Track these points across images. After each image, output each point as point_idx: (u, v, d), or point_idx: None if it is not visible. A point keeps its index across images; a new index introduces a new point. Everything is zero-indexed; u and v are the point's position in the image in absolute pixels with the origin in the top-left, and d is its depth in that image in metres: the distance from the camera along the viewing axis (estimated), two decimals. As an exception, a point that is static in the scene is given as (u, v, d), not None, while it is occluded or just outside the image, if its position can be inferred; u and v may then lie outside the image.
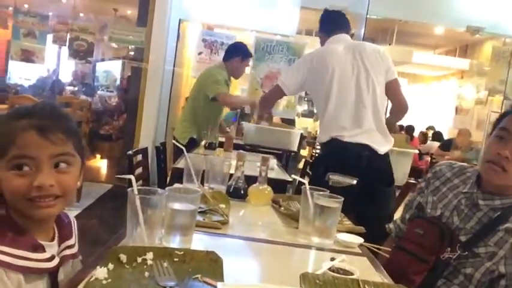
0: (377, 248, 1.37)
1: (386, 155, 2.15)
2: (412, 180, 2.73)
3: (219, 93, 3.30)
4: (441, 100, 10.53)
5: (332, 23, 2.34)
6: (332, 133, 2.15)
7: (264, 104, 2.65)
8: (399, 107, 2.26)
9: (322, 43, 2.36)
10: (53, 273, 0.88)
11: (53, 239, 0.92)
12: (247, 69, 5.19)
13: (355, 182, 2.00)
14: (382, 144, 2.13)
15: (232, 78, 3.60)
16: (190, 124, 3.46)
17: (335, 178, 2.00)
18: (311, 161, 3.01)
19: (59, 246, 0.93)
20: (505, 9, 5.21)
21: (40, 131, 0.84)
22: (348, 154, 2.09)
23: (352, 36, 2.33)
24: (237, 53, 3.49)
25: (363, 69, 2.15)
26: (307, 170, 2.89)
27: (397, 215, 1.79)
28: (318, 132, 2.37)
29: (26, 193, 0.83)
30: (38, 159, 0.83)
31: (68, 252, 0.93)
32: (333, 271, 0.99)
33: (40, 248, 0.85)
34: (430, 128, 9.38)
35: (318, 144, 7.65)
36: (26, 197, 0.83)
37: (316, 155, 6.29)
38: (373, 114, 2.13)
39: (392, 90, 2.20)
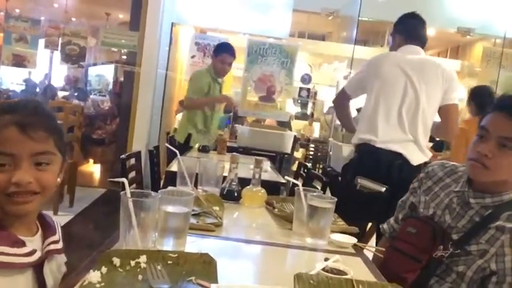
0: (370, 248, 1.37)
1: (419, 167, 2.09)
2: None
3: (190, 97, 3.51)
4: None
5: (411, 31, 2.28)
6: (364, 135, 2.13)
7: (336, 109, 2.58)
8: (443, 132, 2.25)
9: (396, 45, 2.31)
10: (37, 268, 0.87)
11: (35, 235, 0.91)
12: (240, 72, 5.20)
13: (383, 189, 1.95)
14: (416, 155, 2.08)
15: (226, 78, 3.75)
16: (188, 124, 3.55)
17: (363, 183, 1.96)
18: (306, 163, 3.01)
19: (43, 242, 0.92)
20: (495, 10, 5.26)
21: (21, 127, 0.83)
22: (379, 160, 2.05)
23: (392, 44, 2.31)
24: (213, 52, 3.62)
25: (417, 84, 2.10)
26: (301, 172, 2.90)
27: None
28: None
29: (4, 188, 0.83)
30: (18, 156, 0.83)
31: (53, 247, 0.92)
32: (327, 271, 0.99)
33: (19, 243, 0.84)
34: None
35: (315, 144, 7.66)
36: (4, 192, 0.83)
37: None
38: (411, 130, 2.09)
39: (444, 114, 2.17)
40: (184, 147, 3.35)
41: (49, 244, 0.92)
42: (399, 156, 2.05)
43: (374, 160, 2.06)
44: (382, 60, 2.23)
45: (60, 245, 0.96)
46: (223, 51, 3.52)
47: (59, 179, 0.92)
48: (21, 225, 0.88)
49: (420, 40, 2.26)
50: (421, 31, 2.29)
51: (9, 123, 0.83)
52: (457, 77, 2.23)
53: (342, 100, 2.44)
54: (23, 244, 0.85)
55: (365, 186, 1.96)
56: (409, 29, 2.29)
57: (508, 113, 1.13)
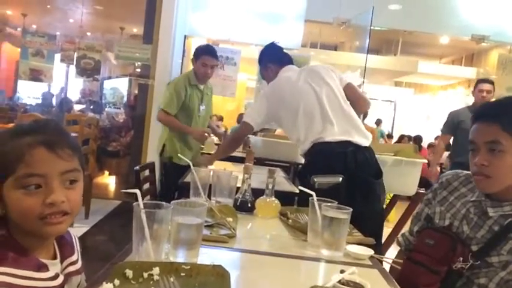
0: (386, 260, 1.34)
1: (370, 148, 2.19)
2: (422, 191, 2.70)
3: (162, 109, 3.15)
4: (449, 109, 10.48)
5: (283, 55, 2.50)
6: (312, 138, 2.17)
7: (232, 144, 2.62)
8: (358, 105, 2.35)
9: (273, 73, 2.46)
10: None
11: (54, 257, 0.90)
12: (253, 83, 5.21)
13: (340, 179, 2.01)
14: (362, 138, 2.17)
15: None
16: (164, 133, 3.30)
17: (320, 180, 1.98)
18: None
19: (62, 263, 0.91)
20: (510, 16, 5.20)
21: (49, 147, 0.82)
22: (333, 152, 2.10)
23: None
24: (193, 55, 3.24)
25: (322, 82, 2.25)
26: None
27: (407, 226, 1.77)
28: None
29: (39, 213, 0.81)
30: (49, 176, 0.82)
31: (72, 268, 0.92)
32: (343, 284, 0.97)
33: (44, 267, 0.84)
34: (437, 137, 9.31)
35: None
36: (40, 216, 0.81)
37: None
38: (344, 117, 2.19)
39: (349, 92, 2.33)
40: (169, 163, 3.15)
41: (68, 266, 0.91)
42: (349, 143, 2.12)
43: (328, 153, 2.11)
44: (281, 90, 2.33)
45: (79, 265, 0.95)
46: (204, 53, 3.15)
47: None
48: (41, 249, 0.88)
49: (288, 59, 2.49)
50: (283, 52, 2.53)
51: (36, 143, 0.82)
52: None
53: (245, 134, 2.57)
54: (46, 268, 0.84)
55: (322, 183, 1.99)
56: (278, 54, 2.50)
57: (484, 120, 1.17)
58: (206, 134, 3.18)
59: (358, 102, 2.35)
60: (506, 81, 5.61)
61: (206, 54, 3.13)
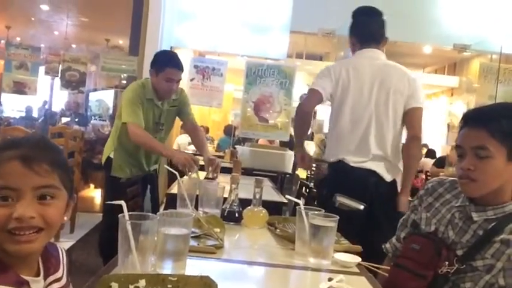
0: (375, 267, 1.35)
1: (394, 182, 2.10)
2: (409, 198, 2.72)
3: (132, 122, 2.44)
4: (433, 118, 10.63)
5: (364, 31, 2.14)
6: (340, 155, 2.11)
7: (302, 116, 2.18)
8: (408, 136, 2.10)
9: (353, 50, 2.18)
10: None
11: (38, 274, 0.88)
12: (239, 93, 5.23)
13: (362, 207, 1.94)
14: (389, 172, 2.08)
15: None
16: (111, 144, 2.70)
17: (342, 200, 1.93)
18: (307, 183, 2.99)
19: (45, 280, 0.89)
20: (491, 26, 5.32)
21: (24, 161, 0.81)
22: (354, 179, 2.05)
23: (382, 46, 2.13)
24: (151, 65, 2.56)
25: (383, 95, 2.06)
26: (303, 192, 2.87)
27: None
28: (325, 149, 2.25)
29: (4, 224, 0.80)
30: (20, 190, 0.80)
31: (56, 286, 0.89)
32: (331, 292, 0.97)
33: (24, 284, 0.81)
34: (423, 145, 9.44)
35: (316, 164, 7.64)
36: (5, 228, 0.80)
37: (320, 176, 6.23)
38: (386, 142, 2.08)
39: (408, 118, 2.08)
40: (108, 164, 2.63)
41: (52, 283, 0.89)
42: (373, 173, 2.05)
43: (349, 178, 2.06)
44: (346, 72, 2.09)
45: (63, 282, 0.92)
46: (168, 65, 2.46)
47: (65, 218, 0.89)
48: (23, 265, 0.85)
49: (374, 39, 2.11)
50: (373, 28, 2.13)
51: (13, 157, 0.81)
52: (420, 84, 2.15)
53: (313, 105, 2.17)
54: (27, 285, 0.82)
55: (344, 204, 1.94)
56: (361, 29, 2.14)
57: (472, 125, 1.19)
58: (192, 161, 2.33)
59: (408, 134, 2.09)
60: (488, 89, 5.72)
61: (171, 66, 2.47)
